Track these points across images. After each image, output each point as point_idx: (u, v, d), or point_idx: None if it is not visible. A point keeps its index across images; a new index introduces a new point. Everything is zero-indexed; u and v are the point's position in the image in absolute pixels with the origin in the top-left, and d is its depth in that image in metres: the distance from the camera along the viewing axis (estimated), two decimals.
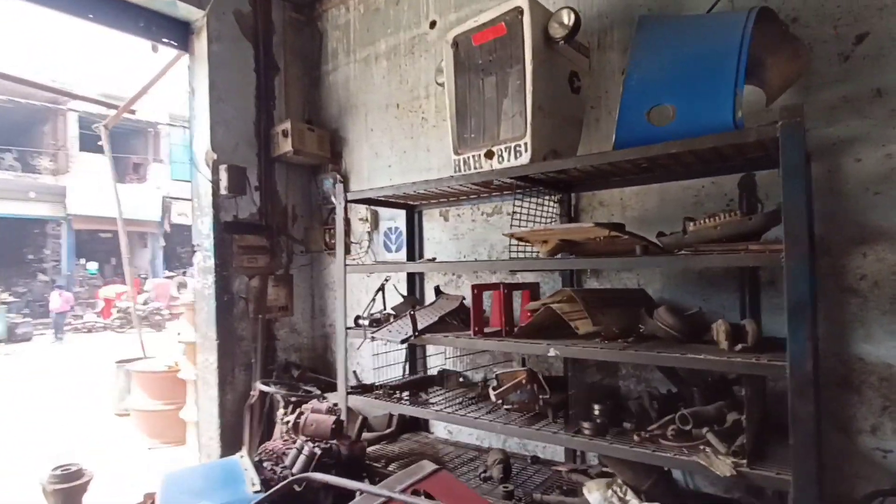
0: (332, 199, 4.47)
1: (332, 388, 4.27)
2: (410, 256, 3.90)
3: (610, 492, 2.40)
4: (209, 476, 2.68)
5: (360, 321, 3.37)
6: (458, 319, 3.22)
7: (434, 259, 3.53)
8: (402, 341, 2.84)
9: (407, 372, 3.89)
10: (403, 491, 2.18)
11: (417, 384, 3.38)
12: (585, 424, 2.40)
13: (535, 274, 3.35)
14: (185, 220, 19.90)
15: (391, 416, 3.75)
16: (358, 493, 2.11)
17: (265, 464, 2.84)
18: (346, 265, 3.28)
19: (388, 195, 3.30)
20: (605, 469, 2.83)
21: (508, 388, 2.54)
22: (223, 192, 3.98)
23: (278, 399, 3.86)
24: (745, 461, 1.96)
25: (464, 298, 3.29)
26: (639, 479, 2.47)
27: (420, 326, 2.92)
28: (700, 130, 2.14)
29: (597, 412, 2.47)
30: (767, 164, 2.55)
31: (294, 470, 2.68)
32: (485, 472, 2.93)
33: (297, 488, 2.22)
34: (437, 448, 3.53)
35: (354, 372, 4.37)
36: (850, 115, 2.37)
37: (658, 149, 2.16)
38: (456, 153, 2.86)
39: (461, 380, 3.45)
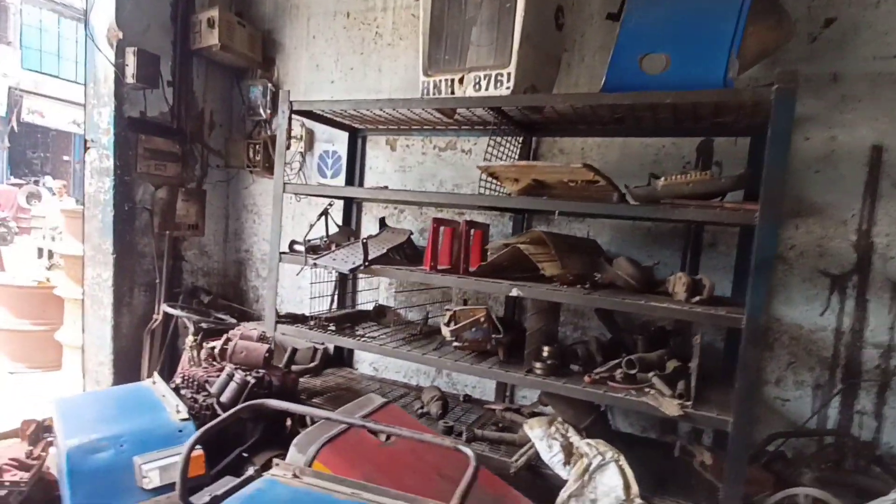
0: (261, 110, 3.97)
1: (247, 317, 3.95)
2: (349, 184, 3.62)
3: (553, 429, 2.48)
4: (119, 402, 2.33)
5: (296, 247, 3.08)
6: (401, 255, 3.06)
7: (386, 188, 3.29)
8: (351, 270, 2.64)
9: (335, 305, 3.69)
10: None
11: (352, 318, 3.21)
12: (538, 365, 2.43)
13: (486, 216, 3.28)
14: (40, 119, 16.90)
15: (315, 349, 3.55)
16: (311, 420, 1.96)
17: (182, 391, 2.55)
18: (286, 183, 2.93)
19: (341, 110, 2.97)
20: (536, 410, 2.94)
21: (465, 324, 2.48)
22: (129, 80, 3.34)
23: (187, 326, 3.48)
24: (689, 403, 2.10)
25: (411, 233, 3.14)
26: (579, 417, 2.58)
27: (370, 257, 2.73)
28: (691, 84, 2.15)
29: (546, 354, 2.52)
30: (726, 131, 2.68)
31: (223, 399, 2.43)
32: (422, 408, 2.90)
33: (243, 416, 2.00)
34: (362, 384, 3.43)
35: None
36: (808, 95, 2.53)
37: (652, 96, 2.14)
38: (426, 74, 2.62)
39: (395, 317, 3.34)
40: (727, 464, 2.05)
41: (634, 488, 2.17)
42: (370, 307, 3.55)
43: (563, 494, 2.24)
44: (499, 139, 2.87)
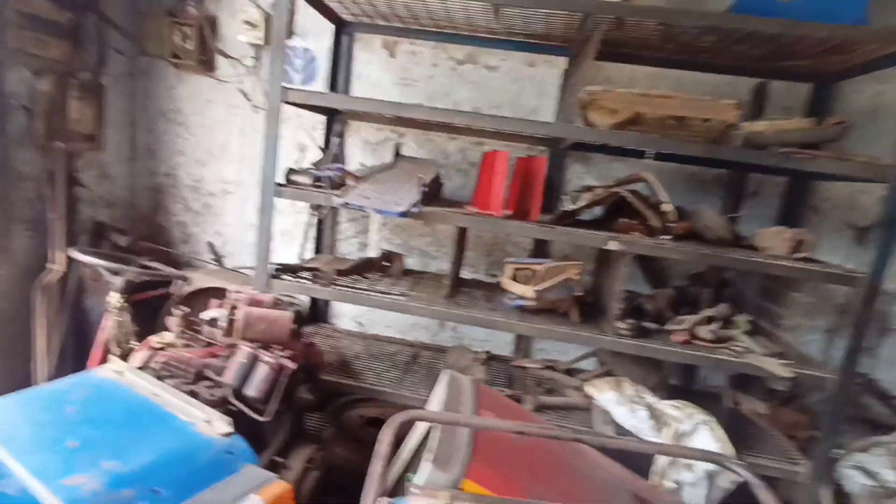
0: None
1: (175, 263, 3.03)
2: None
3: (629, 391, 2.29)
4: (87, 411, 1.50)
5: (296, 177, 2.30)
6: None
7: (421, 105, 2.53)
8: (403, 213, 2.02)
9: (310, 252, 2.98)
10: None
11: (359, 268, 2.58)
12: (621, 325, 2.18)
13: (510, 149, 2.82)
14: None
15: (289, 306, 2.84)
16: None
17: (167, 381, 1.78)
18: (287, 88, 2.10)
19: None
20: (575, 367, 2.74)
21: (555, 283, 2.09)
22: None
23: (103, 279, 2.51)
24: (791, 363, 2.05)
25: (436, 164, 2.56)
26: (646, 376, 2.43)
27: (403, 195, 2.13)
28: (825, 17, 1.92)
29: (622, 313, 2.28)
30: (787, 76, 2.57)
31: (251, 390, 1.74)
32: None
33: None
34: (351, 342, 2.86)
35: (210, 244, 3.14)
36: None
37: (804, 27, 1.86)
38: None
39: (401, 265, 2.78)
40: (826, 417, 2.06)
41: (730, 450, 2.10)
42: (353, 253, 2.92)
43: (662, 461, 2.09)
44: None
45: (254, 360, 1.80)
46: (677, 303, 2.46)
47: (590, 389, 2.37)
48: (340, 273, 2.42)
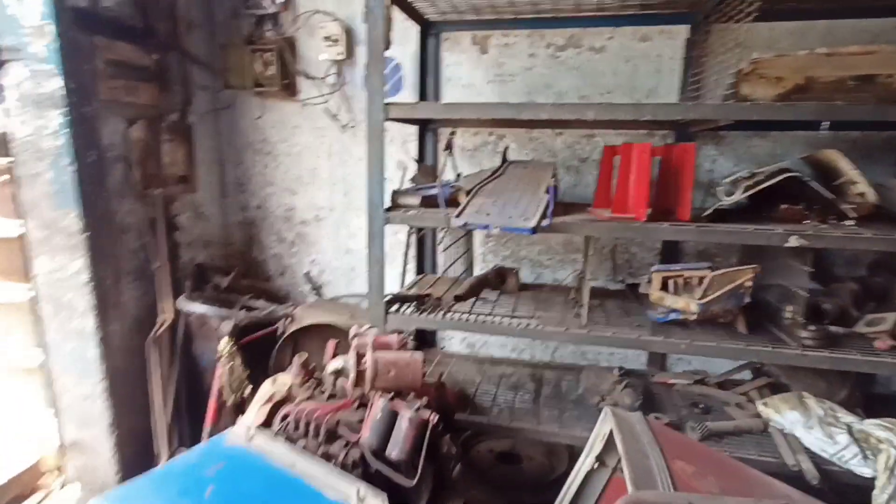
0: None
1: (275, 299, 2.92)
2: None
3: (819, 409, 1.92)
4: (228, 493, 1.36)
5: (403, 199, 2.10)
6: None
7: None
8: (533, 230, 1.76)
9: (409, 275, 2.78)
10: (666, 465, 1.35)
11: (475, 288, 2.35)
12: (804, 334, 1.81)
13: (625, 137, 2.49)
14: None
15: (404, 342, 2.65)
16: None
17: (298, 441, 1.62)
18: (388, 104, 1.89)
19: None
20: (732, 378, 2.38)
21: (722, 293, 1.76)
22: None
23: (211, 325, 2.43)
24: None
25: (554, 165, 2.27)
26: (832, 389, 2.05)
27: (526, 207, 1.86)
28: None
29: (797, 318, 1.91)
30: None
31: (393, 452, 1.54)
32: (601, 400, 2.20)
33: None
34: (465, 367, 2.63)
35: (307, 274, 3.03)
36: None
37: None
38: None
39: (516, 281, 2.52)
40: None
41: None
42: (457, 269, 2.69)
43: (880, 497, 1.71)
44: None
45: (393, 416, 1.60)
46: (861, 298, 2.05)
47: (765, 410, 2.01)
48: (458, 298, 2.20)
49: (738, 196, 1.79)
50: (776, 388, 2.24)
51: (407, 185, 2.47)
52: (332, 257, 2.97)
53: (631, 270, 2.62)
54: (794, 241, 1.68)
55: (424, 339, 2.90)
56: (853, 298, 2.01)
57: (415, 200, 2.07)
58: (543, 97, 2.54)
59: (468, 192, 2.06)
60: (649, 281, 2.03)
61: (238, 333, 2.43)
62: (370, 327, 1.96)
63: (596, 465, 1.71)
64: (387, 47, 1.88)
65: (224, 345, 2.35)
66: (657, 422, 1.66)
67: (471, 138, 2.67)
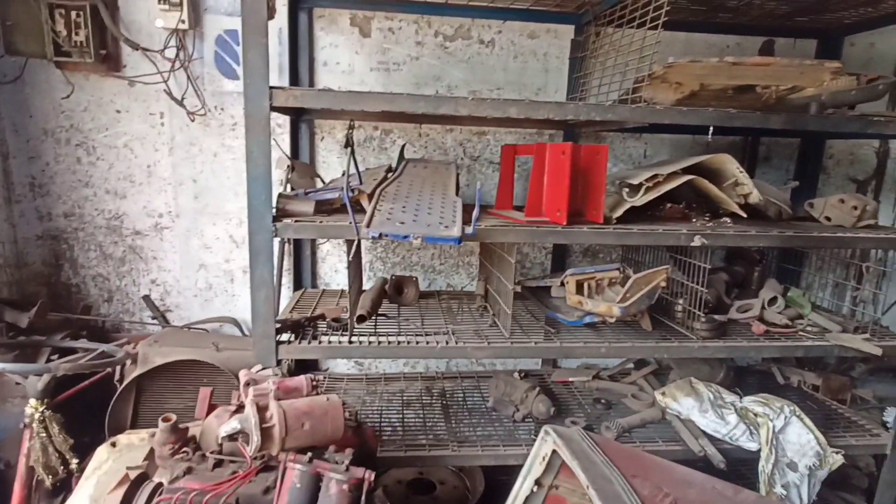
0: None
1: (107, 334, 2.31)
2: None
3: (708, 393, 2.07)
4: None
5: (291, 205, 1.72)
6: None
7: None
8: (458, 239, 1.56)
9: (288, 289, 2.39)
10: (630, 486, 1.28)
11: (375, 304, 2.07)
12: (697, 326, 1.94)
13: (515, 136, 2.44)
14: None
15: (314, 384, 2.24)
16: None
17: None
18: (274, 88, 1.51)
19: None
20: (624, 370, 2.49)
21: (643, 294, 1.77)
22: None
23: (11, 383, 1.79)
24: (873, 337, 1.95)
25: (456, 165, 2.10)
26: (714, 372, 2.23)
27: (441, 212, 1.67)
28: None
29: (681, 310, 2.04)
30: (791, 32, 2.46)
31: None
32: (516, 410, 2.11)
33: None
34: (358, 389, 2.34)
35: (147, 298, 2.41)
36: None
37: None
38: None
39: (416, 291, 2.31)
40: None
41: (821, 437, 1.97)
42: (341, 282, 2.39)
43: (766, 468, 1.90)
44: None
45: (315, 483, 1.27)
46: (730, 286, 2.28)
47: (663, 399, 2.12)
48: (361, 319, 1.90)
49: (645, 197, 1.82)
50: (659, 374, 2.41)
51: (305, 190, 2.06)
52: (180, 275, 2.40)
53: (524, 271, 2.59)
54: (697, 241, 1.76)
55: (304, 363, 2.52)
56: (725, 288, 2.22)
57: (307, 207, 1.72)
58: (432, 90, 2.35)
59: (370, 195, 1.78)
60: (562, 284, 1.99)
61: (54, 390, 1.80)
62: (263, 368, 1.58)
63: (535, 489, 1.60)
64: (270, 16, 1.50)
65: (33, 408, 1.72)
66: (598, 435, 1.60)
67: (357, 131, 2.36)
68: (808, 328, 2.05)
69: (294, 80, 2.22)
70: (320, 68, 2.28)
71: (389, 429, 2.05)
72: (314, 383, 1.46)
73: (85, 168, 2.25)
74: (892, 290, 2.70)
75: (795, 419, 1.99)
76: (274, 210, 1.67)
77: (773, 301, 2.14)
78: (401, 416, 2.15)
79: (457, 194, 1.88)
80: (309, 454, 1.32)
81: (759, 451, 1.93)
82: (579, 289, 1.92)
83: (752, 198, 1.83)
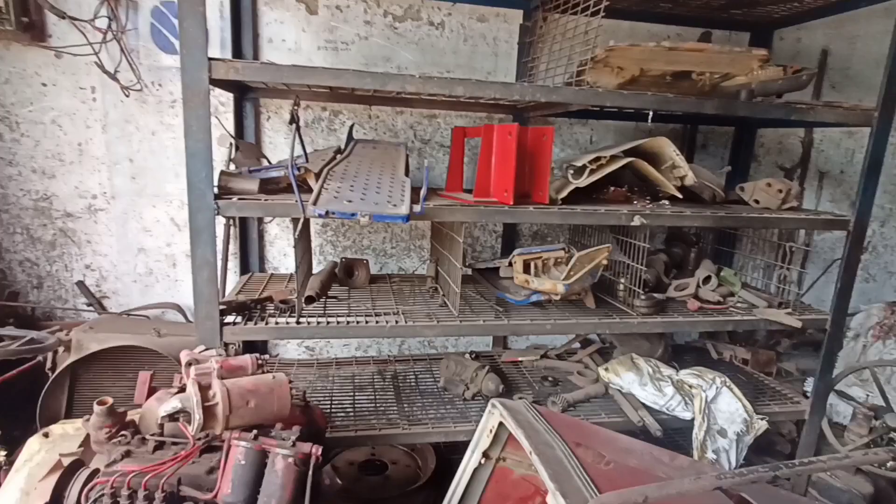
0: None
1: (37, 322, 2.20)
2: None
3: (648, 367, 2.18)
4: None
5: (235, 182, 1.67)
6: None
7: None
8: (406, 217, 1.56)
9: (235, 274, 2.33)
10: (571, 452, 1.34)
11: (325, 286, 2.05)
12: (638, 303, 2.03)
13: (465, 120, 2.46)
14: None
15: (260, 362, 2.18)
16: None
17: None
18: (214, 60, 1.46)
19: None
20: (571, 349, 2.57)
21: (586, 272, 1.83)
22: None
23: None
24: (792, 312, 2.10)
25: (406, 146, 2.10)
26: (654, 348, 2.34)
27: (390, 192, 1.67)
28: None
29: (623, 289, 2.13)
30: (729, 25, 2.58)
31: None
32: (466, 389, 2.14)
33: None
34: (310, 375, 2.32)
35: (81, 284, 2.29)
36: None
37: None
38: None
39: (367, 273, 2.30)
40: (823, 354, 2.15)
41: (748, 405, 2.11)
42: (288, 265, 2.35)
43: (699, 435, 2.02)
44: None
45: (261, 459, 1.26)
46: (668, 266, 2.39)
47: (606, 375, 2.21)
48: (310, 299, 1.88)
49: (589, 179, 1.88)
50: (604, 352, 2.51)
51: (251, 168, 1.99)
52: (118, 260, 2.29)
53: (475, 253, 2.62)
54: (637, 221, 1.83)
55: (253, 349, 2.46)
56: (664, 268, 2.33)
57: (251, 185, 1.68)
58: (382, 70, 2.32)
59: (318, 175, 1.76)
60: (510, 264, 2.03)
61: None
62: (206, 349, 1.53)
63: (483, 461, 1.64)
64: None
65: None
66: (543, 407, 1.66)
67: (301, 112, 2.30)
68: (738, 305, 2.18)
69: (237, 56, 2.14)
70: (265, 45, 2.22)
71: (341, 412, 2.04)
72: (260, 362, 1.44)
73: (8, 145, 2.10)
74: (814, 270, 2.91)
75: (726, 389, 2.12)
76: (216, 188, 1.62)
77: (707, 280, 2.26)
78: (352, 399, 2.14)
79: (406, 175, 1.88)
80: (255, 432, 1.30)
81: (693, 419, 2.05)
82: (526, 268, 1.97)
83: (687, 180, 1.92)
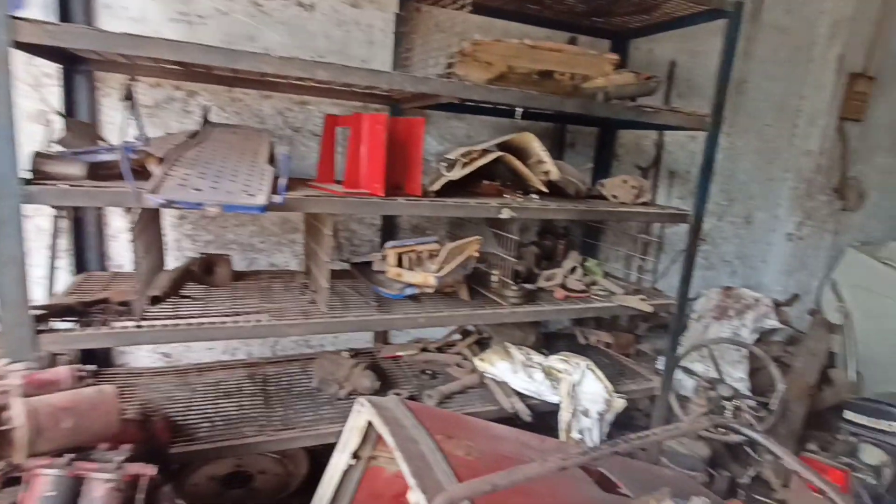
0: None
1: None
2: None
3: (520, 355, 2.25)
4: None
5: (52, 166, 1.43)
6: None
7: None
8: (263, 208, 1.44)
9: (67, 274, 2.03)
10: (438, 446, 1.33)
11: (177, 284, 1.84)
12: (509, 293, 2.09)
13: (341, 109, 2.36)
14: None
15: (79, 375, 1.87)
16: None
17: None
18: (14, 18, 1.23)
19: None
20: (451, 341, 2.57)
21: (457, 265, 1.82)
22: None
23: None
24: (646, 298, 2.29)
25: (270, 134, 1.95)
26: (526, 336, 2.42)
27: (247, 180, 1.55)
28: None
29: (496, 280, 2.18)
30: (593, 32, 2.75)
31: None
32: (340, 388, 2.06)
33: None
34: (165, 384, 2.09)
35: None
36: None
37: None
38: None
39: (229, 269, 2.11)
40: (670, 335, 2.38)
41: (609, 385, 2.27)
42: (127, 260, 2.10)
43: (565, 416, 2.12)
44: None
45: (77, 486, 1.08)
46: (540, 258, 2.50)
47: (481, 364, 2.25)
48: (156, 300, 1.67)
49: (461, 172, 1.89)
50: (482, 342, 2.56)
51: (68, 150, 1.71)
52: None
53: (353, 248, 2.54)
54: (505, 213, 1.88)
55: (94, 358, 2.16)
56: (536, 260, 2.42)
57: (76, 170, 1.44)
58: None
59: (162, 160, 1.56)
60: (383, 258, 1.98)
61: None
62: (10, 362, 1.29)
63: (354, 462, 1.58)
64: None
65: None
66: (414, 402, 1.62)
67: (149, 91, 2.06)
68: (599, 292, 2.33)
69: (65, 19, 1.85)
70: (102, 11, 1.94)
71: (205, 422, 1.85)
72: (81, 374, 1.24)
73: None
74: (667, 260, 3.22)
75: (589, 372, 2.26)
76: (27, 172, 1.38)
77: (573, 270, 2.39)
78: (216, 407, 1.96)
79: (271, 164, 1.75)
80: (70, 456, 1.12)
81: (560, 402, 2.15)
82: (400, 262, 1.93)
83: (552, 175, 2.01)
